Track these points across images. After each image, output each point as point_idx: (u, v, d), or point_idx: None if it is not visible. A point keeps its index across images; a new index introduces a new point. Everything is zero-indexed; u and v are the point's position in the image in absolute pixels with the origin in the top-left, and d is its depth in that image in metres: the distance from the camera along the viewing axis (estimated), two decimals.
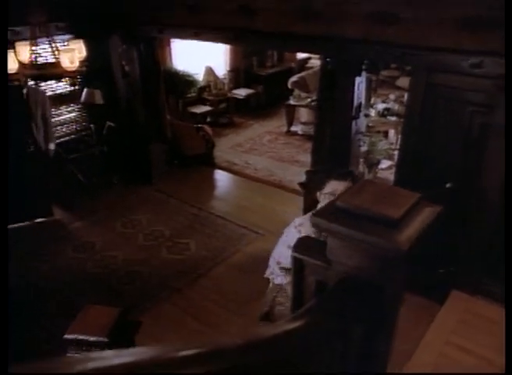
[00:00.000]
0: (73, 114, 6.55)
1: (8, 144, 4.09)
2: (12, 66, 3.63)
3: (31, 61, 3.66)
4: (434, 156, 3.75)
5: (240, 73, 9.97)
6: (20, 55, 3.69)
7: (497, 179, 3.20)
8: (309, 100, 8.12)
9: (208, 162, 7.42)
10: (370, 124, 6.50)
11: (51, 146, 5.74)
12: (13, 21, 4.03)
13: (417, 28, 3.61)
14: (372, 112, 6.94)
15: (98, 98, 6.17)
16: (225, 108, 9.35)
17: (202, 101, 9.09)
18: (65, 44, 4.09)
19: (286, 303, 3.07)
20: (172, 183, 6.77)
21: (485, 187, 3.39)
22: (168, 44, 8.28)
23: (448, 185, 3.49)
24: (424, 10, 3.53)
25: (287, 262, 2.92)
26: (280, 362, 0.90)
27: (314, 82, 7.85)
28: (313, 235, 2.56)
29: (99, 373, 0.67)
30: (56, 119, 6.27)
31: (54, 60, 3.62)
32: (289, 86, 8.64)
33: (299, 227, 2.80)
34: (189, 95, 8.72)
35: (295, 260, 1.24)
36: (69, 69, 3.51)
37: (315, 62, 9.69)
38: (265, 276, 3.61)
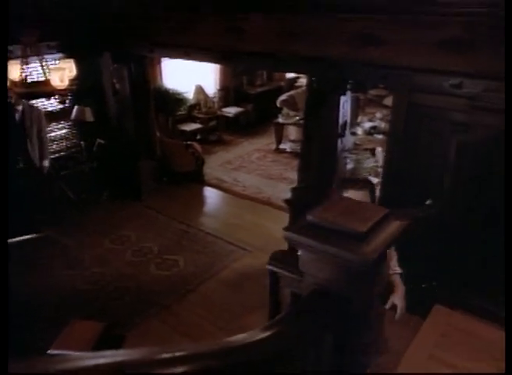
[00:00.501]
0: (64, 131, 6.58)
1: (8, 160, 4.11)
2: None
3: (22, 79, 3.72)
4: (417, 174, 3.84)
5: (229, 92, 10.10)
6: (11, 73, 3.75)
7: (474, 197, 3.30)
8: (297, 118, 8.24)
9: (198, 179, 7.48)
10: (357, 142, 6.61)
11: (46, 163, 5.74)
12: None
13: (399, 49, 3.71)
14: (359, 131, 7.05)
15: (89, 115, 6.23)
16: (215, 125, 9.46)
17: (192, 119, 9.20)
18: (56, 62, 4.16)
19: None
20: (161, 200, 6.80)
21: (461, 205, 3.47)
22: (159, 63, 8.40)
23: (428, 202, 3.57)
24: (407, 32, 3.64)
25: None
26: (253, 367, 0.95)
27: (302, 101, 7.94)
28: None
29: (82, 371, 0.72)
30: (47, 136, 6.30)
31: (44, 79, 3.68)
32: (278, 104, 8.77)
33: None
34: (179, 113, 8.82)
35: (271, 273, 1.29)
36: (58, 88, 3.57)
37: (304, 81, 9.80)
38: None
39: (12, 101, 4.93)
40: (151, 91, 6.82)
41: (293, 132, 8.59)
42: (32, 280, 4.95)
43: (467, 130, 3.30)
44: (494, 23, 3.16)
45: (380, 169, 6.01)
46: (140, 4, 5.37)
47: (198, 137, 9.09)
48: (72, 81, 3.99)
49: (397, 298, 2.64)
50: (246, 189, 7.29)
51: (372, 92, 9.31)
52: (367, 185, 2.69)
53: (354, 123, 7.00)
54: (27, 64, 3.80)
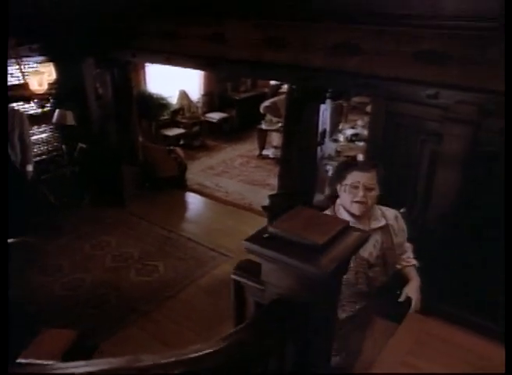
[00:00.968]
0: (45, 135, 6.54)
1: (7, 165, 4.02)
2: None
3: None
4: (394, 182, 3.88)
5: (213, 97, 10.13)
6: None
7: (445, 206, 3.35)
8: (280, 125, 8.26)
9: (180, 185, 7.46)
10: (338, 149, 6.67)
11: (30, 167, 5.62)
12: None
13: (377, 59, 3.76)
14: (341, 138, 7.12)
15: (70, 119, 6.19)
16: (199, 131, 9.46)
17: (176, 124, 9.19)
18: (35, 66, 4.14)
19: None
20: (143, 206, 6.78)
21: (433, 215, 3.52)
22: (143, 68, 8.39)
23: (401, 210, 3.61)
24: (385, 43, 3.70)
25: None
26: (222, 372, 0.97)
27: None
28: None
29: None
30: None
31: (22, 82, 3.66)
32: (261, 111, 8.81)
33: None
34: (162, 118, 8.81)
35: (235, 282, 1.31)
36: (37, 92, 3.55)
37: None
38: None
39: None
40: (134, 95, 6.81)
41: (275, 138, 8.63)
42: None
43: (440, 140, 3.35)
44: (468, 36, 3.23)
45: None
46: (123, 9, 5.36)
47: (181, 142, 9.08)
48: (52, 85, 3.96)
49: (412, 290, 2.58)
50: (228, 195, 7.29)
51: (356, 99, 9.43)
52: (374, 166, 2.44)
53: (336, 130, 7.07)
54: None
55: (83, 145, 6.49)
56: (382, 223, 2.50)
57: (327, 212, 2.54)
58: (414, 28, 3.47)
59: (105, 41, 5.75)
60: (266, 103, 8.92)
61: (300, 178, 4.55)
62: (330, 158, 5.71)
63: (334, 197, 2.54)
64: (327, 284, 1.10)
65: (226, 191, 7.41)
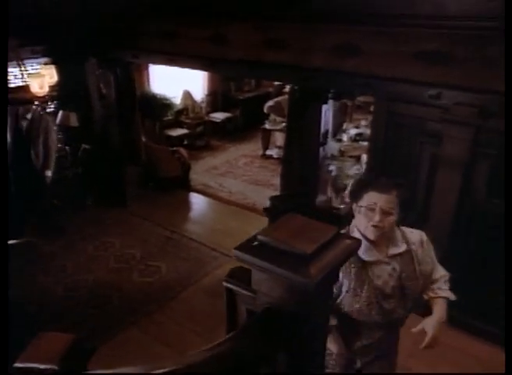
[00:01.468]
0: None
1: (7, 163, 4.05)
2: None
3: None
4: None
5: (217, 97, 10.12)
6: None
7: (447, 208, 3.32)
8: (284, 124, 8.25)
9: (184, 185, 7.46)
10: (342, 149, 6.63)
11: (49, 173, 5.72)
12: None
13: (379, 59, 3.75)
14: (345, 137, 7.08)
15: (74, 120, 6.20)
16: (202, 131, 9.45)
17: (179, 125, 9.19)
18: (37, 68, 4.14)
19: None
20: (146, 206, 6.78)
21: (433, 217, 3.50)
22: (146, 68, 8.39)
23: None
24: (386, 43, 3.68)
25: None
26: None
27: None
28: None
29: None
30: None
31: (23, 84, 3.67)
32: (265, 110, 8.79)
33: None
34: (166, 118, 8.81)
35: (227, 290, 1.30)
36: (38, 94, 3.56)
37: None
38: None
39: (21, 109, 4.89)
40: (138, 96, 6.82)
41: (279, 138, 8.61)
42: (10, 288, 4.90)
43: (440, 142, 3.32)
44: (469, 36, 3.21)
45: None
46: (124, 9, 5.36)
47: (185, 142, 9.09)
48: (53, 88, 3.97)
49: (430, 325, 2.20)
50: (232, 195, 7.28)
51: (360, 99, 9.38)
52: (395, 187, 2.09)
53: (340, 129, 7.04)
54: None
55: (87, 146, 6.50)
56: (402, 248, 2.20)
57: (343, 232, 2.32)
58: (415, 28, 3.45)
59: (107, 42, 5.76)
60: (270, 103, 8.91)
61: (302, 178, 4.53)
62: (333, 158, 5.69)
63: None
64: (316, 294, 1.08)
65: (230, 191, 7.40)
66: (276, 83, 10.67)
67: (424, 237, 2.29)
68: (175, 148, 7.61)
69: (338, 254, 1.11)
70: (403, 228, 2.27)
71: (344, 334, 2.35)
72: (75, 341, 2.66)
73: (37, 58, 5.28)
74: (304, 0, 3.96)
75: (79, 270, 5.28)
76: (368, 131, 7.23)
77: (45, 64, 4.30)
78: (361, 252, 2.14)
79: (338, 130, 7.02)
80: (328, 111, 4.41)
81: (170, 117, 8.93)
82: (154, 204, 6.87)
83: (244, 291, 1.27)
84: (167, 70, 8.36)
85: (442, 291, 2.32)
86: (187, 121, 9.20)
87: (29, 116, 5.21)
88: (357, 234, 2.17)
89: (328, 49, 3.91)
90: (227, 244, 5.74)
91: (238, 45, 4.50)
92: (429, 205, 3.56)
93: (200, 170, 8.21)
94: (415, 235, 2.27)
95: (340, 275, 2.10)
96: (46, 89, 3.65)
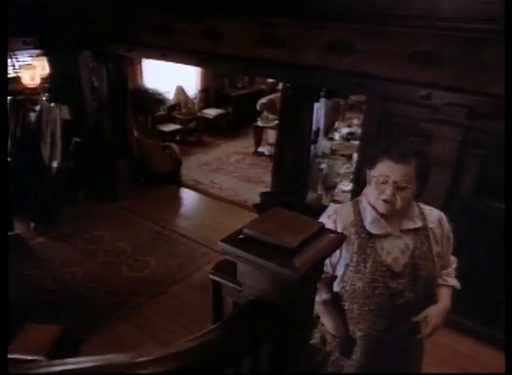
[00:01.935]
0: None
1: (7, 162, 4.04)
2: None
3: None
4: None
5: (210, 93, 10.11)
6: None
7: (436, 208, 3.34)
8: (276, 122, 8.26)
9: (174, 181, 7.46)
10: (333, 148, 6.66)
11: (55, 164, 5.72)
12: None
13: (372, 58, 3.76)
14: (336, 136, 7.11)
15: (65, 113, 6.18)
16: (195, 127, 9.45)
17: (172, 120, 9.17)
18: (28, 60, 4.12)
19: None
20: (136, 201, 6.77)
21: None
22: (139, 63, 8.36)
23: None
24: (380, 42, 3.70)
25: None
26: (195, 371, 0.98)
27: None
28: (349, 225, 1.98)
29: None
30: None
31: (14, 76, 3.65)
32: (258, 108, 8.80)
33: (333, 216, 2.01)
34: (159, 113, 8.79)
35: (213, 282, 1.31)
36: (29, 86, 3.54)
37: None
38: None
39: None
40: (130, 90, 6.80)
41: (272, 135, 8.61)
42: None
43: (429, 141, 3.35)
44: (464, 37, 3.23)
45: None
46: (119, 3, 5.34)
47: (177, 138, 9.07)
48: (45, 80, 3.95)
49: (433, 314, 2.02)
50: (222, 191, 7.29)
51: (353, 97, 9.42)
52: (411, 155, 1.86)
53: (332, 128, 7.06)
54: None
55: (78, 140, 6.47)
56: (418, 224, 2.00)
57: (349, 203, 2.13)
58: (410, 28, 3.47)
59: (100, 35, 5.74)
60: (263, 100, 8.92)
61: (293, 176, 4.55)
62: (324, 156, 5.71)
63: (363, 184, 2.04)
64: (300, 286, 1.10)
65: (221, 188, 7.41)
66: (270, 80, 10.70)
67: (443, 216, 2.11)
68: (166, 144, 7.60)
69: (322, 247, 1.13)
70: (422, 204, 2.09)
71: (343, 319, 2.09)
72: (63, 332, 2.68)
73: (28, 49, 5.25)
74: None
75: (68, 264, 5.26)
76: (359, 130, 7.27)
77: (37, 55, 4.26)
78: (367, 223, 1.96)
79: (330, 128, 7.05)
80: (320, 109, 4.42)
81: (162, 112, 8.91)
82: (145, 199, 6.86)
83: (230, 284, 1.29)
84: (160, 65, 8.32)
85: (451, 278, 2.17)
86: (179, 117, 9.19)
87: (37, 107, 5.21)
88: (365, 205, 1.99)
89: (322, 47, 3.92)
90: (217, 240, 5.68)
91: (232, 41, 4.50)
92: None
93: (192, 166, 8.21)
94: (434, 213, 2.09)
95: (343, 246, 1.89)
96: (37, 81, 3.63)
